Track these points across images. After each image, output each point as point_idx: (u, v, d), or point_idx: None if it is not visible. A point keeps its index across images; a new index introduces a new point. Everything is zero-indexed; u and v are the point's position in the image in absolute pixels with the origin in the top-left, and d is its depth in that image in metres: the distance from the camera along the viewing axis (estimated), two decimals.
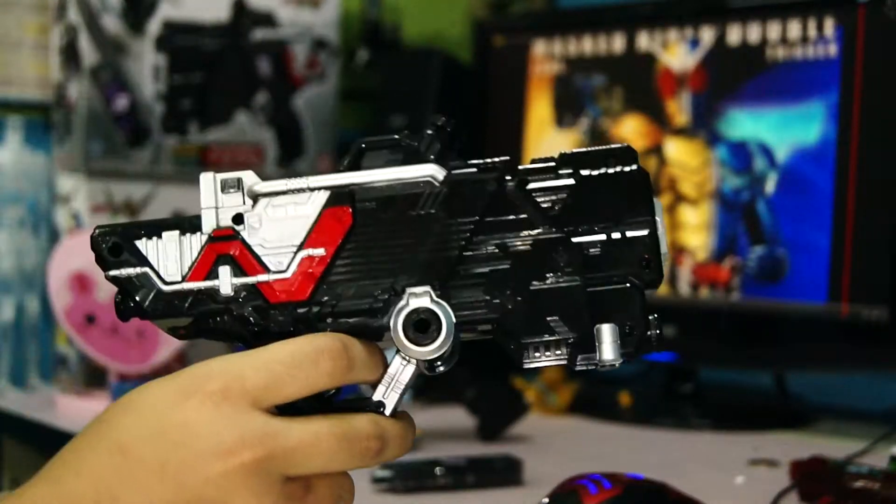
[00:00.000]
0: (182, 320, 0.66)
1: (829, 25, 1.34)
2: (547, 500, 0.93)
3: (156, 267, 0.65)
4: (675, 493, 0.94)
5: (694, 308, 1.43)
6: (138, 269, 0.65)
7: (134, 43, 1.61)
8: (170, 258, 0.65)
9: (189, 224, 0.66)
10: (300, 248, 0.64)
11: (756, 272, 1.38)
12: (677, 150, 1.45)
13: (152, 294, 0.65)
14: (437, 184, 0.65)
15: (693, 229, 1.43)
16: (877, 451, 1.22)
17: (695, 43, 1.44)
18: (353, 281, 0.64)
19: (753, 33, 1.39)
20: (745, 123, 1.40)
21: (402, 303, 0.63)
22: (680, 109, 1.45)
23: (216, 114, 1.67)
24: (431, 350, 0.63)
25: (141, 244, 0.65)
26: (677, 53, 1.45)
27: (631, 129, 1.49)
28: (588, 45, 1.53)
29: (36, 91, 1.73)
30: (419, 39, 2.03)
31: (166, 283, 0.65)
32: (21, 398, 1.59)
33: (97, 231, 0.66)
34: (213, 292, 0.65)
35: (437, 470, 1.07)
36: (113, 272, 0.66)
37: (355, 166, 0.65)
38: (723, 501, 1.05)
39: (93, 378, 1.49)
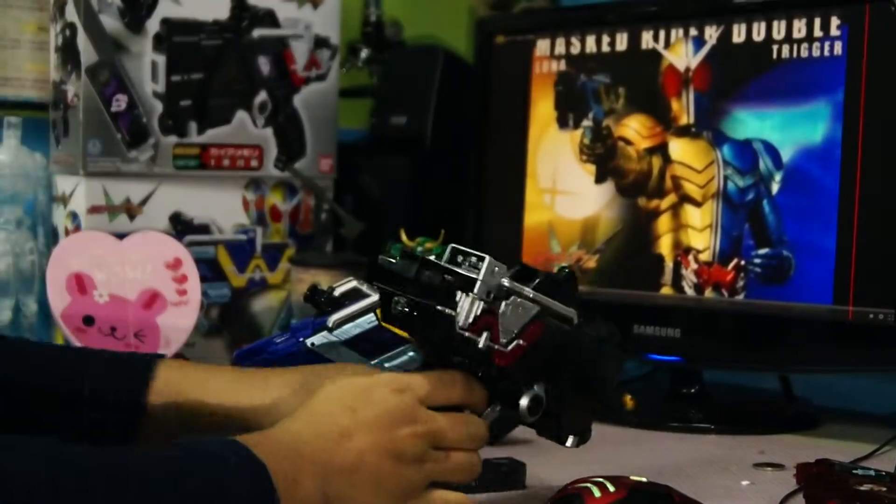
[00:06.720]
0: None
1: (835, 24, 1.32)
2: None
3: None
4: (680, 497, 0.93)
5: (698, 310, 1.42)
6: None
7: (133, 42, 1.60)
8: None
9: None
10: (518, 336, 0.90)
11: (761, 274, 1.37)
12: (681, 150, 1.44)
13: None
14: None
15: (697, 230, 1.42)
16: (884, 454, 1.21)
17: (699, 41, 1.43)
18: None
19: (758, 32, 1.38)
20: (749, 123, 1.39)
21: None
22: (684, 108, 1.44)
23: (216, 113, 1.66)
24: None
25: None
26: (681, 52, 1.44)
27: (634, 129, 1.48)
28: (591, 43, 1.52)
29: (34, 90, 1.72)
30: (420, 38, 2.02)
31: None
32: None
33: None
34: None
35: None
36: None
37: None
38: None
39: None
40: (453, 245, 0.92)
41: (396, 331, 1.11)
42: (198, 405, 0.98)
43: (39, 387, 0.99)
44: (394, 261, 0.92)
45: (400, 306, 0.90)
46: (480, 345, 0.88)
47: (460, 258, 0.91)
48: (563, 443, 0.98)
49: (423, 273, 0.90)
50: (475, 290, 0.88)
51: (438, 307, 0.88)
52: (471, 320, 0.88)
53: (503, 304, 0.89)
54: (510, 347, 0.90)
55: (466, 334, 0.88)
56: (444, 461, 0.88)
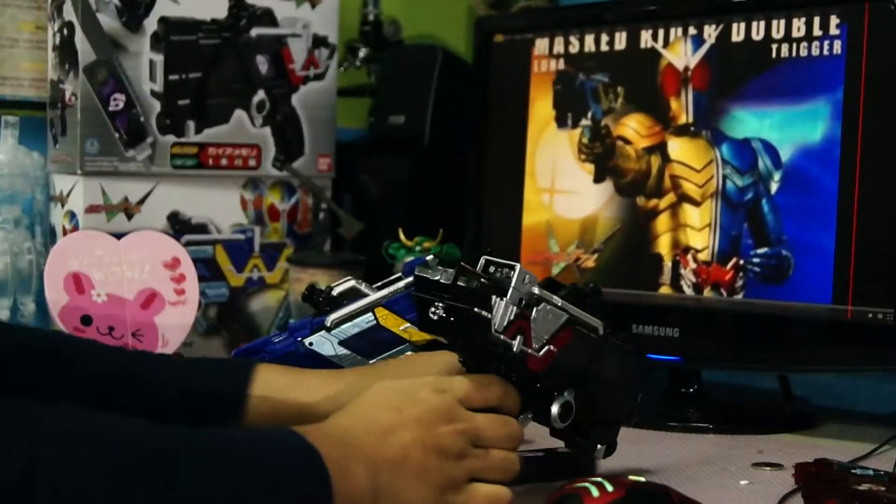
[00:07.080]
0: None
1: (834, 23, 1.32)
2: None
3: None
4: (679, 496, 0.93)
5: (697, 309, 1.41)
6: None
7: (131, 41, 1.60)
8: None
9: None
10: (549, 342, 0.96)
11: (760, 273, 1.37)
12: (680, 149, 1.44)
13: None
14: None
15: (696, 229, 1.42)
16: (882, 453, 1.21)
17: (698, 40, 1.42)
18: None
19: (757, 31, 1.38)
20: (748, 122, 1.39)
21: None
22: (683, 108, 1.43)
23: (214, 112, 1.66)
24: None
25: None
26: (680, 51, 1.44)
27: (633, 128, 1.47)
28: (590, 42, 1.52)
29: (31, 89, 1.72)
30: (419, 37, 2.02)
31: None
32: None
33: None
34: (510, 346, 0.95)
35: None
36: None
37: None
38: None
39: None
40: (486, 256, 0.97)
41: (395, 330, 1.12)
42: (291, 406, 1.04)
43: (144, 391, 1.04)
44: (431, 271, 0.96)
45: (438, 311, 0.93)
46: (515, 348, 0.93)
47: (492, 268, 0.96)
48: (591, 452, 1.02)
49: (459, 279, 0.94)
50: (509, 296, 0.92)
51: (475, 310, 0.92)
52: (506, 323, 0.92)
53: (534, 310, 0.94)
54: (542, 352, 0.95)
55: (502, 337, 0.92)
56: (483, 458, 0.92)
